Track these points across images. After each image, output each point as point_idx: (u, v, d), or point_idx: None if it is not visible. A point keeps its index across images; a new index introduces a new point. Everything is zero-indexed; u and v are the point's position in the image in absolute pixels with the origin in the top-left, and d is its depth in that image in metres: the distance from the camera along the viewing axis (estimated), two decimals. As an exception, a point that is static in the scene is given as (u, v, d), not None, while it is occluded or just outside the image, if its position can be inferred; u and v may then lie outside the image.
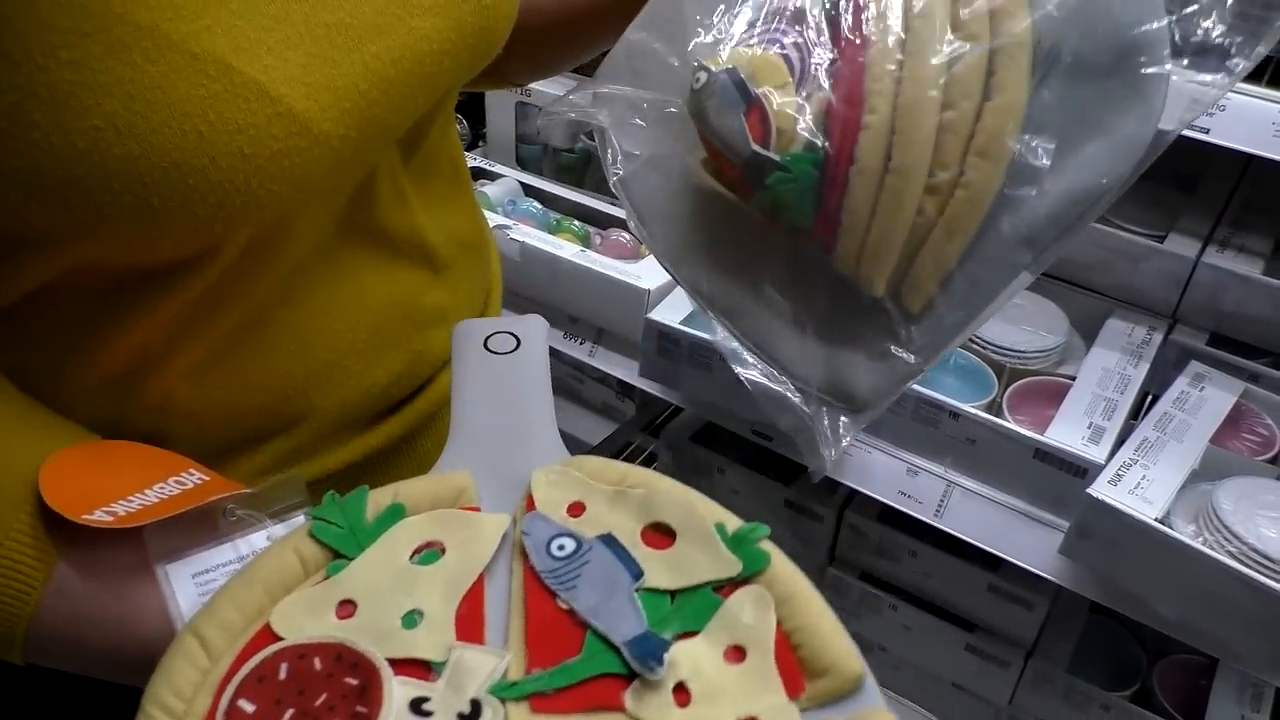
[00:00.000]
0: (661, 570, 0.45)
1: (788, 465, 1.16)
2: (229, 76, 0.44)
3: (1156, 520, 0.85)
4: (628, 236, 1.28)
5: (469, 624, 0.44)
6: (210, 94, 0.44)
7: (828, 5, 0.47)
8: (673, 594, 0.44)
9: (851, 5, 0.47)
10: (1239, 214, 1.14)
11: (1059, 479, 0.94)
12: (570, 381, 1.72)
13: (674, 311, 1.08)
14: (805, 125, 0.48)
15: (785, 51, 0.48)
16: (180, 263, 0.49)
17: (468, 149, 1.55)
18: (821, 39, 0.48)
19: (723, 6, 0.53)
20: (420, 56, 0.54)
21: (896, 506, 1.03)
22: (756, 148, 0.48)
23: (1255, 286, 1.03)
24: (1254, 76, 0.89)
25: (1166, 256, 1.07)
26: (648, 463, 1.42)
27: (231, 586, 0.43)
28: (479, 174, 1.43)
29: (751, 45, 0.48)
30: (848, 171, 0.47)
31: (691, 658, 0.41)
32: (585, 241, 1.27)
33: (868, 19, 0.47)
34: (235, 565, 0.46)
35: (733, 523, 0.46)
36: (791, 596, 0.43)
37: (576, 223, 1.31)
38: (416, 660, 0.42)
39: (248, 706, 0.39)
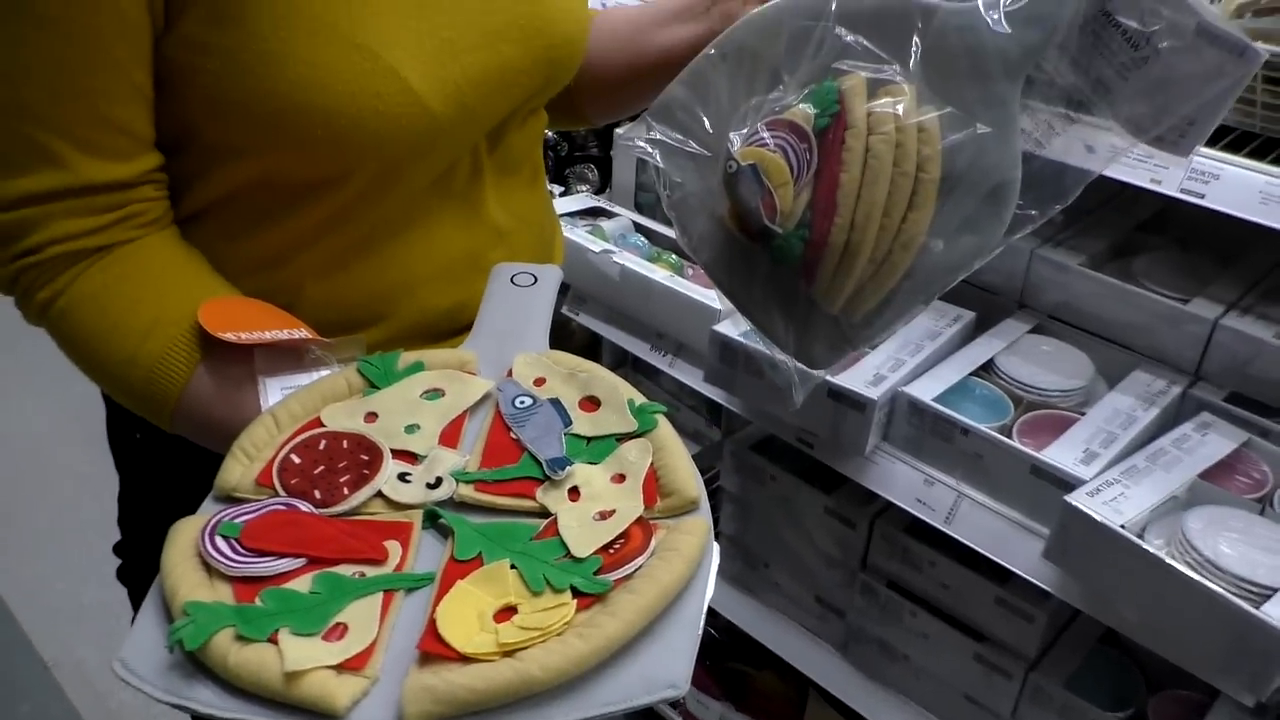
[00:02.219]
0: (585, 424, 0.66)
1: (830, 476, 1.30)
2: (375, 60, 0.69)
3: (1122, 527, 0.96)
4: (716, 271, 1.47)
5: (449, 438, 0.66)
6: (363, 70, 0.69)
7: (817, 125, 0.68)
8: (588, 439, 0.65)
9: (838, 132, 0.67)
10: (1271, 287, 1.23)
11: (1052, 494, 1.05)
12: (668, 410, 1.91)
13: (736, 326, 1.26)
14: (798, 214, 0.69)
15: (789, 155, 0.68)
16: (324, 181, 0.72)
17: (596, 193, 1.78)
18: (813, 152, 0.68)
19: (743, 106, 0.73)
20: (504, 72, 0.76)
21: (912, 512, 1.16)
22: (767, 223, 0.68)
23: (1268, 349, 1.13)
24: (1239, 148, 1.01)
25: (1188, 317, 1.18)
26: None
27: (300, 393, 0.67)
28: (600, 213, 1.65)
29: (766, 145, 0.68)
30: (822, 250, 0.68)
31: (587, 475, 0.62)
32: (679, 271, 1.47)
33: (846, 147, 0.67)
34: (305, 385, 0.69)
35: (639, 399, 0.67)
36: (663, 447, 0.64)
37: (674, 256, 1.51)
38: (409, 452, 0.64)
39: (295, 459, 0.63)
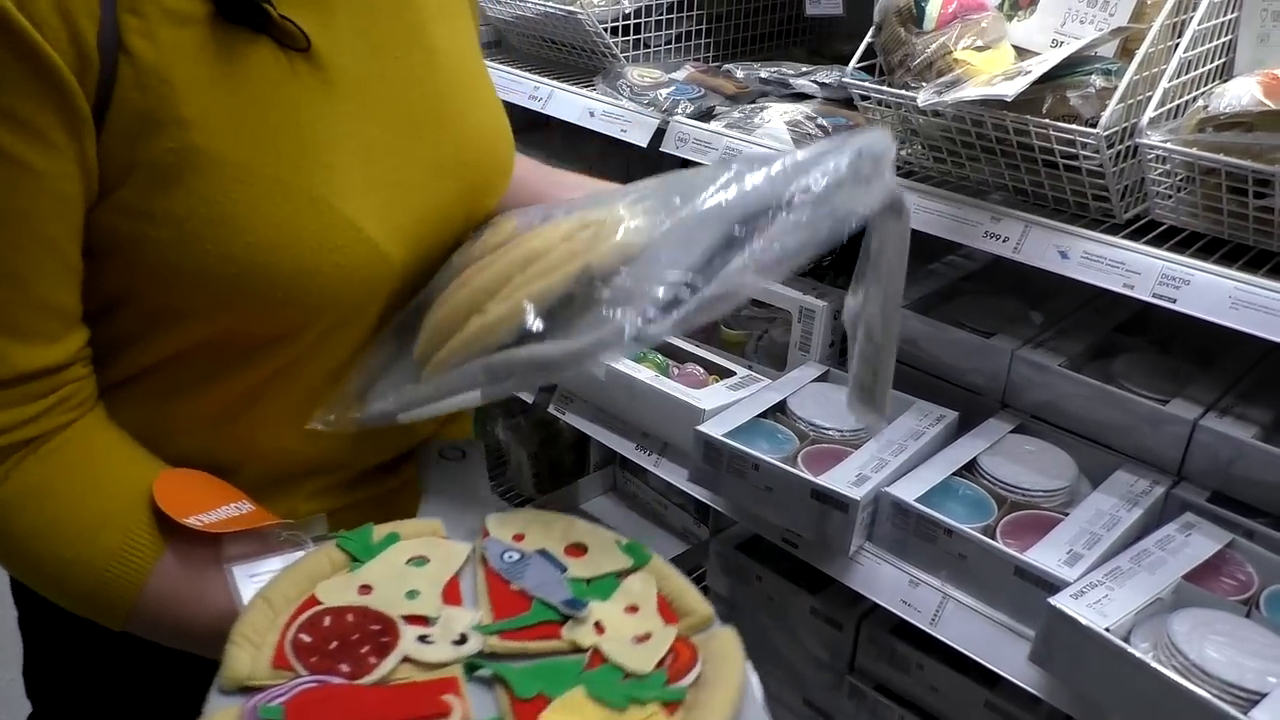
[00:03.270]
0: (580, 568, 0.68)
1: (817, 577, 1.29)
2: (333, 214, 0.67)
3: (1107, 630, 0.95)
4: (702, 370, 1.49)
5: (451, 597, 0.66)
6: (322, 226, 0.67)
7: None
8: (588, 580, 0.67)
9: None
10: (1249, 389, 1.24)
11: (1036, 596, 1.05)
12: (655, 506, 1.91)
13: (720, 426, 1.27)
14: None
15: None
16: (278, 337, 0.70)
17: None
18: None
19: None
20: (448, 208, 0.77)
21: (897, 613, 1.15)
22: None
23: (1248, 450, 1.14)
24: (1210, 253, 1.04)
25: (1168, 418, 1.19)
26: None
27: (287, 574, 0.64)
28: (588, 312, 1.68)
29: None
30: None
31: (603, 609, 0.64)
32: (664, 370, 1.48)
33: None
34: (278, 570, 0.67)
35: (623, 539, 0.71)
36: (665, 576, 0.67)
37: (659, 355, 1.52)
38: (419, 616, 0.63)
39: (305, 638, 0.60)
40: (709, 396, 1.34)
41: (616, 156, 1.86)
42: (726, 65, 1.66)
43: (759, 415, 1.31)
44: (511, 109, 1.94)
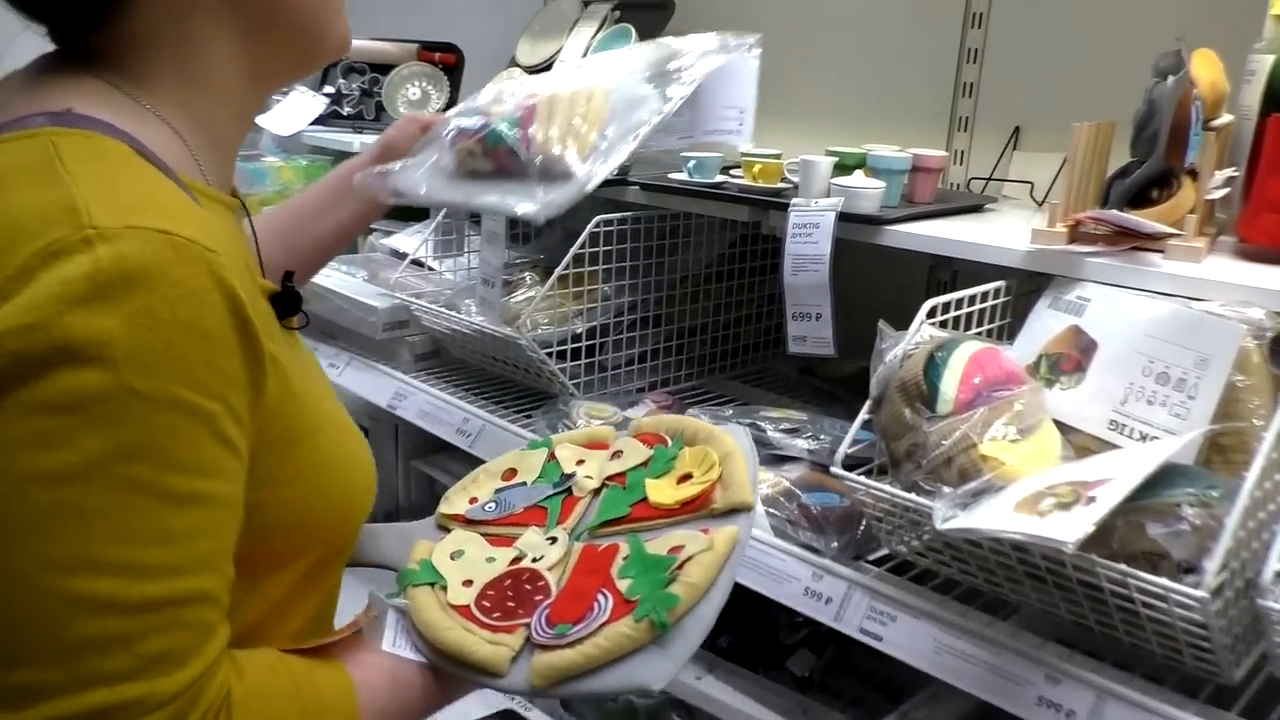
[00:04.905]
0: (527, 476, 0.94)
1: None
2: (355, 432, 0.79)
3: None
4: None
5: (503, 545, 0.86)
6: (357, 444, 0.79)
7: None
8: (541, 474, 0.94)
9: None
10: None
11: None
12: None
13: None
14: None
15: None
16: (344, 549, 0.80)
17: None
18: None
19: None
20: None
21: None
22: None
23: None
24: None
25: None
26: None
27: (421, 617, 0.77)
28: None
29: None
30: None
31: (576, 471, 0.92)
32: None
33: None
34: (403, 625, 0.78)
35: (526, 443, 1.03)
36: (570, 437, 0.98)
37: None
38: (513, 559, 0.82)
39: (495, 616, 0.77)
40: None
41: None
42: (692, 408, 1.37)
43: None
44: (438, 440, 1.60)
